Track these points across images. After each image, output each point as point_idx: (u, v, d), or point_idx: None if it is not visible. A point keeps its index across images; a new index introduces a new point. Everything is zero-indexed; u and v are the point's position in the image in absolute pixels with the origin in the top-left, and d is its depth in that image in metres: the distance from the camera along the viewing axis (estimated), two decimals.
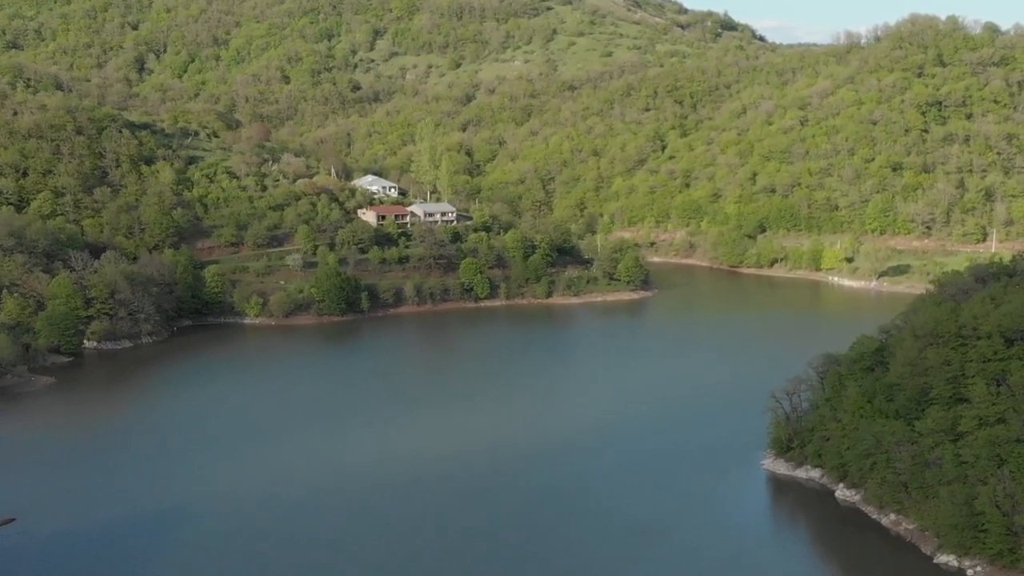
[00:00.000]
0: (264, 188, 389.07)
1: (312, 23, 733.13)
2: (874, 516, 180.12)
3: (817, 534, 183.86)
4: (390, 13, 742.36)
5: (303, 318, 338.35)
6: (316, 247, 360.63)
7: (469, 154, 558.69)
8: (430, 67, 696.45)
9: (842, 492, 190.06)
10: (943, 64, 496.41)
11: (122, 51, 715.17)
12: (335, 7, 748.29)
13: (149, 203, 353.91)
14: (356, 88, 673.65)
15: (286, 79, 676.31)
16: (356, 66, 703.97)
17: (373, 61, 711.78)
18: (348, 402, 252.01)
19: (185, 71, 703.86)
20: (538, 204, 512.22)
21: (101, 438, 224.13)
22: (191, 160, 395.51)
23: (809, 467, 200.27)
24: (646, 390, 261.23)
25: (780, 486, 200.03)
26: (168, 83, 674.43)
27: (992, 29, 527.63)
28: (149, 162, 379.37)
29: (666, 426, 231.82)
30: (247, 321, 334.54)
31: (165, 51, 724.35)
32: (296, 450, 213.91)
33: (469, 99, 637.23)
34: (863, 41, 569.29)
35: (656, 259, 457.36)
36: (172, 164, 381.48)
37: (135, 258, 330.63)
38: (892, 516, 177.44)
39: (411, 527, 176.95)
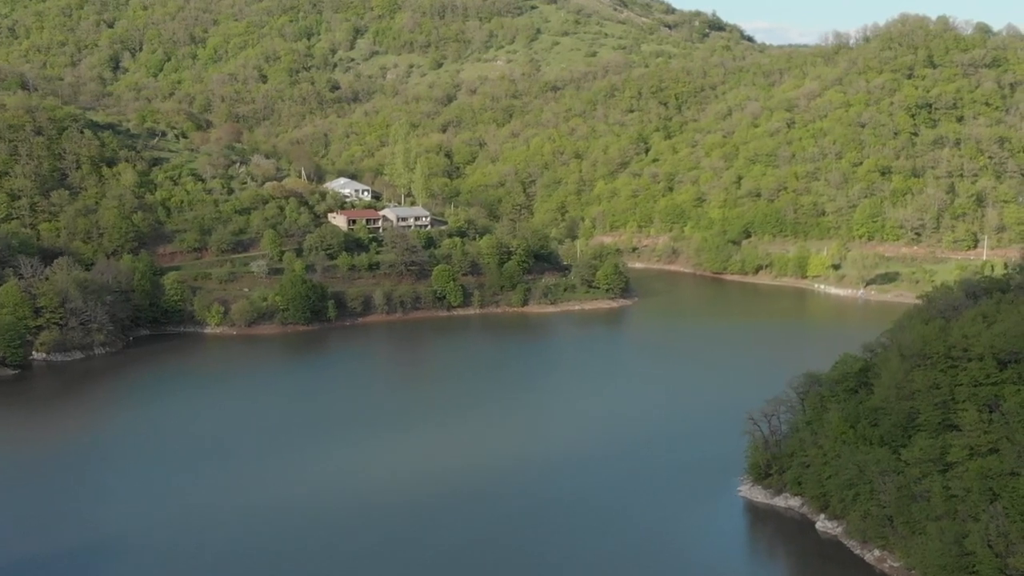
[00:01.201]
0: (231, 191, 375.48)
1: (292, 21, 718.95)
2: (857, 551, 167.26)
3: (796, 570, 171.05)
4: (371, 11, 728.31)
5: (266, 327, 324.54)
6: (282, 253, 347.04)
7: (448, 156, 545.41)
8: (411, 67, 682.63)
9: (823, 524, 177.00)
10: (933, 65, 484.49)
11: (97, 49, 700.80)
12: (315, 5, 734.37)
13: (108, 206, 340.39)
14: (335, 88, 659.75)
15: (263, 78, 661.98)
16: (335, 65, 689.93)
17: (353, 60, 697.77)
18: (312, 420, 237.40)
19: (161, 70, 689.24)
20: (518, 208, 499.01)
21: (42, 459, 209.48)
22: (156, 162, 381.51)
23: (788, 495, 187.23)
24: (621, 408, 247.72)
25: (758, 515, 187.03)
26: (143, 82, 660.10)
27: (984, 30, 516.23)
28: (111, 164, 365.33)
29: (640, 448, 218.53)
30: (208, 330, 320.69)
31: (141, 49, 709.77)
32: (257, 473, 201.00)
33: (450, 99, 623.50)
34: (852, 42, 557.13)
35: (638, 265, 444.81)
36: (135, 166, 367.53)
37: (92, 264, 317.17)
38: (876, 552, 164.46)
39: (377, 553, 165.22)
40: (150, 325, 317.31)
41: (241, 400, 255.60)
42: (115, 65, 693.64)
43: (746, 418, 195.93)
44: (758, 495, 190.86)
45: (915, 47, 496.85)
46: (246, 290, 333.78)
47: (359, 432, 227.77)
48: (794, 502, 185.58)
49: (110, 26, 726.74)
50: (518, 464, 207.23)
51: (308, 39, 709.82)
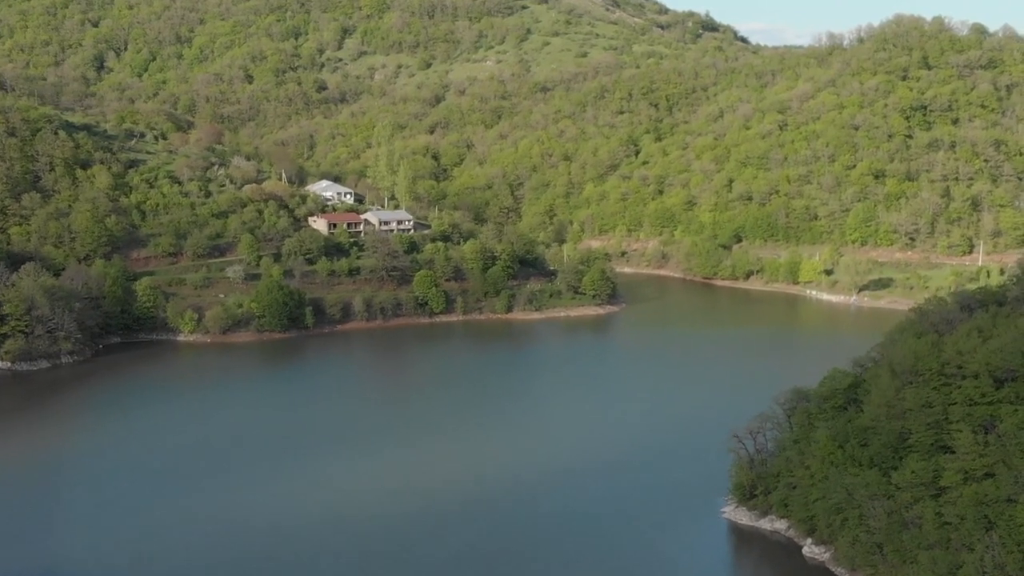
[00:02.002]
0: (208, 194, 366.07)
1: (279, 21, 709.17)
2: None
3: None
4: (360, 11, 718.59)
5: (242, 335, 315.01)
6: (260, 258, 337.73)
7: (436, 158, 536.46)
8: (399, 67, 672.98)
9: (810, 549, 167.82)
10: (928, 67, 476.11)
11: (81, 49, 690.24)
12: (303, 5, 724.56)
13: (81, 210, 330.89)
14: (322, 88, 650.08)
15: (249, 78, 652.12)
16: (323, 65, 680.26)
17: (341, 60, 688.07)
18: (290, 434, 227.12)
19: (146, 70, 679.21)
20: (506, 211, 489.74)
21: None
22: (132, 164, 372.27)
23: (774, 517, 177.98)
24: (603, 422, 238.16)
25: (742, 538, 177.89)
26: (127, 82, 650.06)
27: (979, 30, 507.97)
28: (85, 166, 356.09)
29: (622, 465, 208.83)
30: (181, 338, 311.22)
31: (126, 49, 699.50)
32: (231, 492, 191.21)
33: (438, 100, 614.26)
34: (845, 42, 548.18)
35: (627, 270, 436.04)
36: (110, 168, 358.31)
37: (62, 269, 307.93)
38: None
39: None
40: (121, 332, 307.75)
41: (214, 413, 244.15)
42: (99, 65, 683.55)
43: (730, 435, 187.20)
44: (742, 517, 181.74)
45: (910, 48, 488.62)
46: (222, 296, 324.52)
47: (337, 447, 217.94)
48: (780, 525, 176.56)
49: (95, 25, 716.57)
50: (494, 484, 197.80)
51: (295, 39, 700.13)
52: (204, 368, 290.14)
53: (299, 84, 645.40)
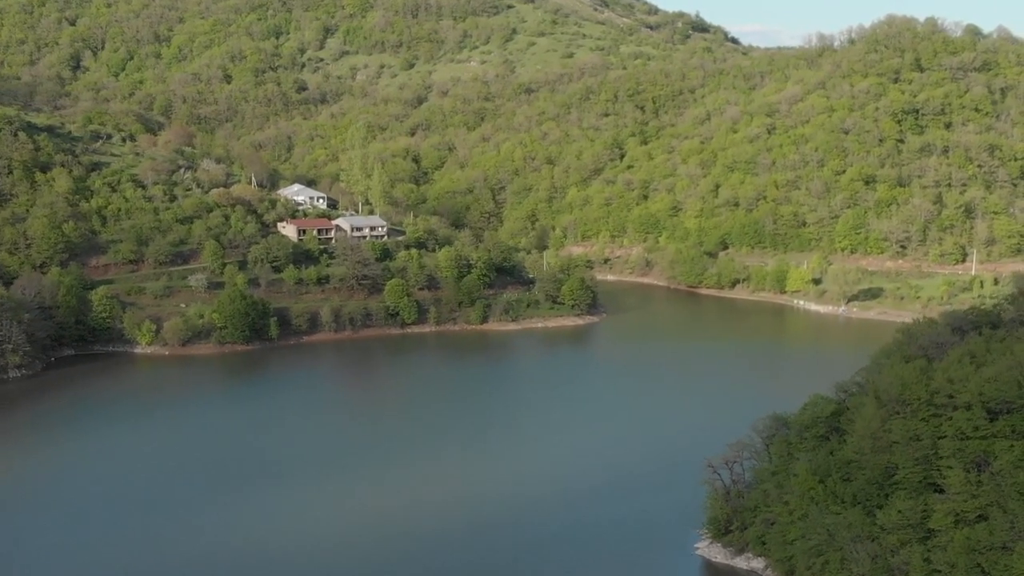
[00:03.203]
0: (173, 198, 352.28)
1: (260, 19, 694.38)
2: None
3: None
4: (342, 10, 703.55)
5: (202, 347, 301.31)
6: (224, 265, 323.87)
7: (416, 161, 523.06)
8: (382, 67, 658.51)
9: None
10: (921, 69, 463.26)
11: (57, 48, 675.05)
12: (285, 3, 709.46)
13: (38, 215, 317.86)
14: (302, 89, 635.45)
15: (228, 78, 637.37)
16: (304, 65, 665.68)
17: (322, 60, 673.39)
18: (251, 458, 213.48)
19: (123, 69, 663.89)
20: (487, 216, 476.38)
21: None
22: (95, 167, 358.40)
23: (751, 556, 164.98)
24: (575, 447, 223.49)
25: None
26: (103, 82, 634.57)
27: (974, 32, 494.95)
28: (45, 169, 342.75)
29: (593, 493, 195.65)
30: (138, 350, 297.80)
31: (103, 48, 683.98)
32: (188, 523, 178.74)
33: (420, 101, 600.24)
34: (836, 44, 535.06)
35: (610, 277, 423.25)
36: (71, 171, 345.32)
37: (14, 278, 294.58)
38: None
39: None
40: (76, 344, 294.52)
41: (170, 433, 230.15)
42: (75, 64, 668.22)
43: (705, 465, 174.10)
44: (717, 554, 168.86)
45: (902, 50, 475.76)
46: (183, 306, 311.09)
47: (303, 470, 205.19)
48: (757, 564, 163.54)
49: (72, 24, 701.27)
50: (453, 515, 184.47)
51: (276, 38, 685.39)
52: (160, 383, 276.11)
53: (278, 84, 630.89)
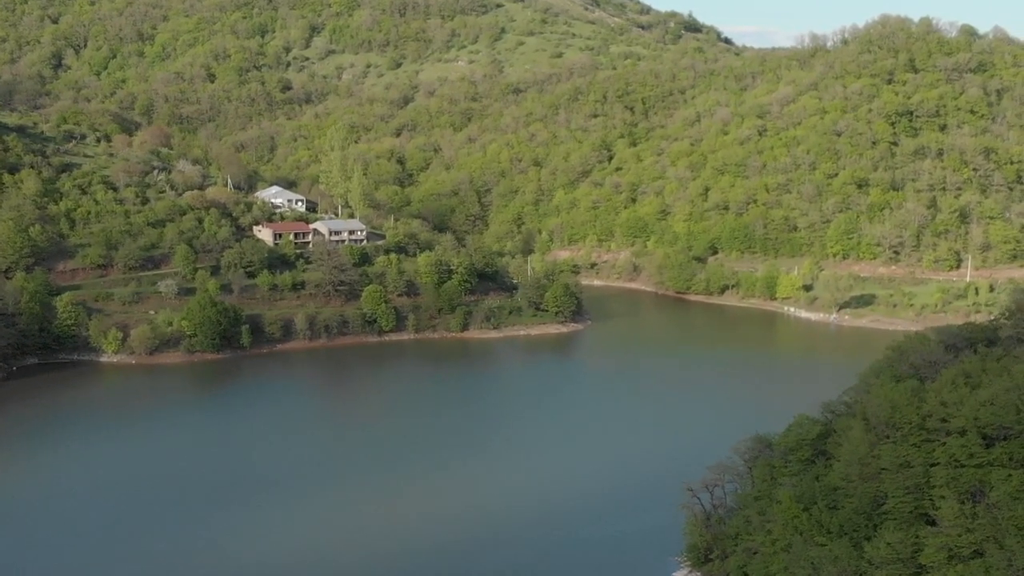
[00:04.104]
0: (145, 201, 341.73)
1: (245, 18, 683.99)
2: None
3: None
4: (329, 8, 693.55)
5: (170, 356, 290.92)
6: (196, 270, 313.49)
7: (401, 162, 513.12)
8: (368, 66, 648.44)
9: None
10: (915, 70, 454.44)
11: (39, 46, 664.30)
12: (271, 1, 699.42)
13: (4, 218, 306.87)
14: (287, 88, 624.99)
15: (211, 77, 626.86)
16: (289, 64, 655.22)
17: (308, 59, 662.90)
18: (214, 478, 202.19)
19: (105, 68, 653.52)
20: (472, 219, 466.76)
21: None
22: (65, 168, 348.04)
23: None
24: (553, 463, 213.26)
25: None
26: (84, 80, 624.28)
27: (969, 32, 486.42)
28: (13, 170, 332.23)
29: (566, 516, 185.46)
30: (104, 359, 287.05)
31: (85, 46, 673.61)
32: (153, 547, 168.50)
33: (407, 101, 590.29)
34: (829, 44, 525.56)
35: (597, 282, 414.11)
36: (40, 172, 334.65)
37: None
38: None
39: None
40: (39, 353, 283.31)
41: (137, 449, 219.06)
42: (57, 63, 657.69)
43: (684, 488, 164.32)
44: None
45: (896, 50, 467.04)
46: (152, 313, 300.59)
47: (275, 490, 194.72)
48: None
49: (54, 22, 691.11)
50: (419, 538, 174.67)
51: (262, 36, 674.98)
52: (127, 394, 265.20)
53: (262, 84, 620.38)
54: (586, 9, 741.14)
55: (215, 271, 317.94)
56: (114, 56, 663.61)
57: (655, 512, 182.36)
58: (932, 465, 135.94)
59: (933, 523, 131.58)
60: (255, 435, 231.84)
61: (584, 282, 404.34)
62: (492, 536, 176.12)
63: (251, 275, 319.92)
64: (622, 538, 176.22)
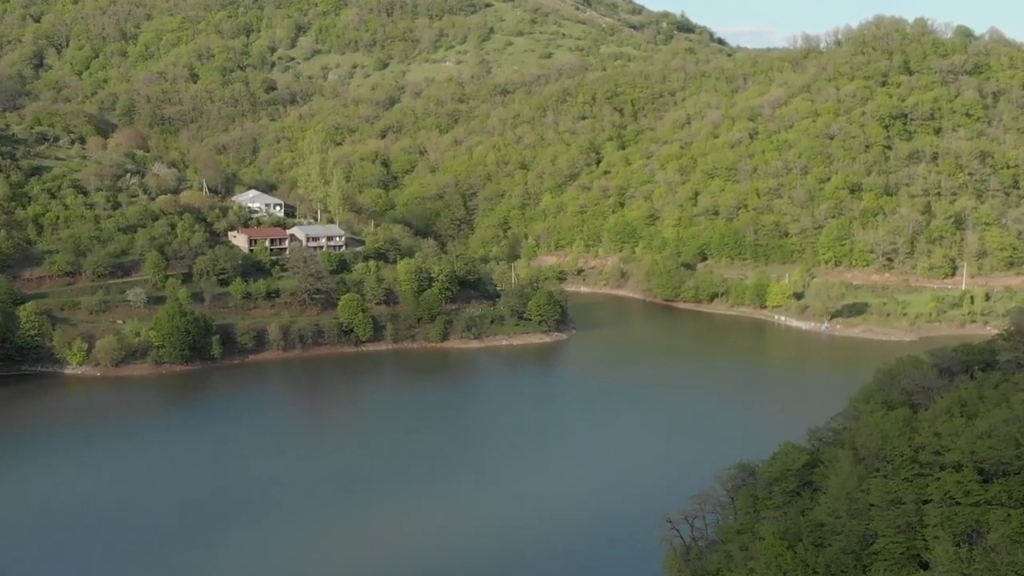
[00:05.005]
0: (117, 205, 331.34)
1: (230, 17, 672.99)
2: None
3: None
4: (315, 8, 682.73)
5: (138, 367, 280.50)
6: (167, 278, 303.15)
7: (386, 164, 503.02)
8: (354, 67, 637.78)
9: None
10: (910, 72, 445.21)
11: (20, 45, 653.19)
12: (256, 0, 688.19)
13: None
14: (271, 88, 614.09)
15: (194, 77, 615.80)
16: (274, 64, 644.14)
17: (293, 59, 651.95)
18: (177, 504, 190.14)
19: (87, 68, 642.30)
20: (457, 223, 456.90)
21: None
22: (35, 171, 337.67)
23: None
24: (520, 491, 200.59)
25: None
26: (65, 80, 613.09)
27: (965, 33, 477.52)
28: None
29: (538, 547, 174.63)
30: (68, 371, 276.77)
31: (67, 45, 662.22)
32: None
33: (393, 102, 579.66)
34: (822, 45, 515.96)
35: (584, 289, 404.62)
36: (8, 176, 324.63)
37: None
38: None
39: None
40: (1, 364, 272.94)
41: (93, 474, 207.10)
42: (38, 62, 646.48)
43: (663, 520, 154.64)
44: None
45: (890, 51, 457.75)
46: (120, 322, 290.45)
47: (233, 520, 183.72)
48: None
49: (36, 21, 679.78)
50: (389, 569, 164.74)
51: (247, 36, 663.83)
52: (86, 409, 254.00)
53: (246, 84, 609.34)
54: (577, 9, 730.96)
55: (187, 279, 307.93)
56: (96, 56, 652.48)
57: (632, 544, 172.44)
58: (925, 502, 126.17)
59: (926, 566, 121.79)
60: (223, 455, 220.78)
61: (571, 289, 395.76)
62: (455, 569, 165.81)
63: (224, 283, 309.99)
64: (598, 571, 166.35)
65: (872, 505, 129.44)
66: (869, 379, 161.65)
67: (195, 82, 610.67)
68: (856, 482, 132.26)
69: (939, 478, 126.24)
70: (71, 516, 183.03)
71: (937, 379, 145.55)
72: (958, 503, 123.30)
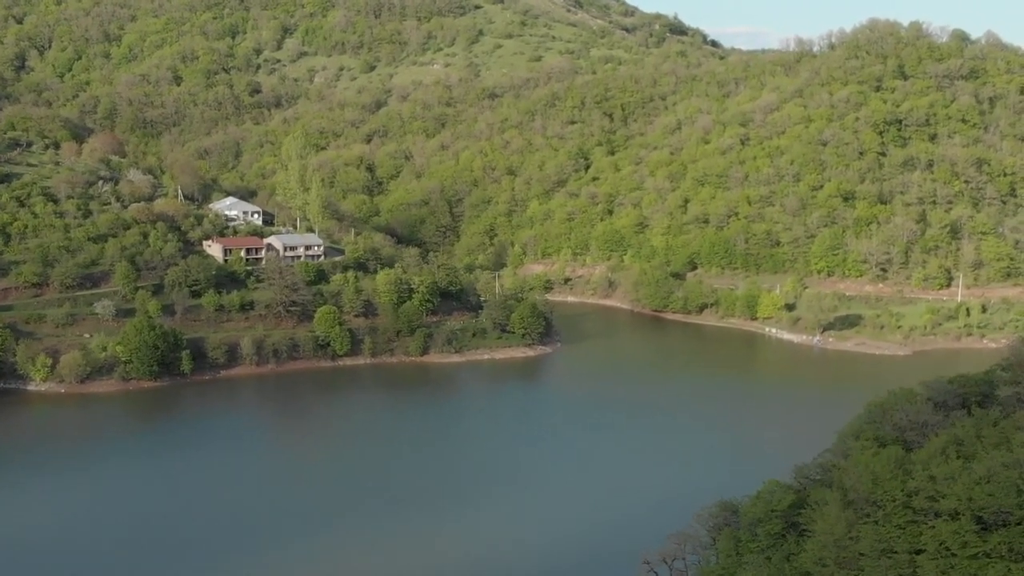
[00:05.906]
0: (88, 214, 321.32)
1: (216, 18, 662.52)
2: None
3: None
4: (302, 9, 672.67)
5: (104, 383, 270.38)
6: (137, 290, 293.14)
7: (371, 169, 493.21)
8: (341, 69, 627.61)
9: None
10: (904, 76, 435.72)
11: (1, 47, 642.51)
12: (242, 1, 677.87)
13: None
14: (255, 91, 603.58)
15: (177, 80, 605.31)
16: (259, 67, 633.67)
17: (279, 62, 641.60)
18: (139, 535, 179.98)
19: (69, 70, 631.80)
20: (443, 230, 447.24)
21: None
22: (4, 178, 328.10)
23: None
24: (488, 525, 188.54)
25: None
26: (46, 82, 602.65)
27: (960, 37, 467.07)
28: None
29: None
30: (32, 387, 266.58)
31: (50, 47, 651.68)
32: None
33: (379, 106, 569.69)
34: (816, 49, 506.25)
35: (571, 299, 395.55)
36: None
37: None
38: None
39: None
40: None
41: (48, 501, 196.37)
42: (20, 64, 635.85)
43: (640, 561, 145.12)
44: None
45: (884, 56, 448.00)
46: (87, 336, 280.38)
47: (197, 551, 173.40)
48: None
49: (19, 22, 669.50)
50: None
51: (232, 38, 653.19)
52: (48, 428, 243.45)
53: (231, 87, 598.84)
54: (568, 11, 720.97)
55: (158, 290, 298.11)
56: (79, 57, 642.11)
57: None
58: (918, 552, 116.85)
59: None
60: (187, 481, 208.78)
61: (558, 298, 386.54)
62: None
63: (196, 294, 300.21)
64: None
65: (862, 554, 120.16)
66: (860, 410, 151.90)
67: (178, 85, 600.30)
68: (845, 528, 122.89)
69: (934, 526, 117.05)
70: (21, 550, 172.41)
71: (932, 414, 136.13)
72: (954, 555, 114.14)
